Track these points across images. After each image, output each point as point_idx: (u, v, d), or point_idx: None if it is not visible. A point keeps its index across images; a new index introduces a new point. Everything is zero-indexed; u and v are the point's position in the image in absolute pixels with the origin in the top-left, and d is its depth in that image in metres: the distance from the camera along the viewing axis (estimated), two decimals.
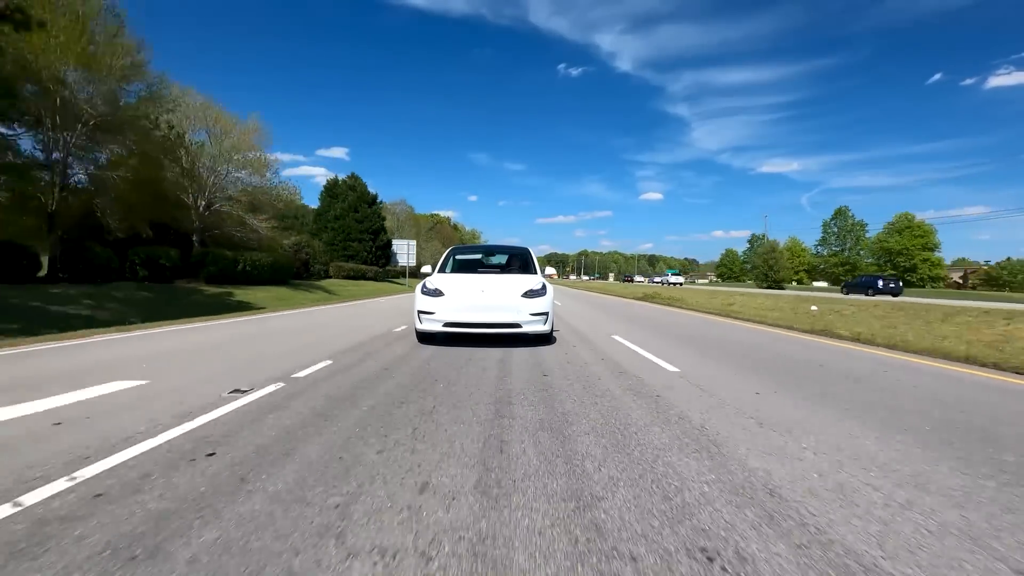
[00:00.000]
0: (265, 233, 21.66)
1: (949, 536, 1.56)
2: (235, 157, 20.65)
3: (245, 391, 3.27)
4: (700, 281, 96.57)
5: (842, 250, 57.93)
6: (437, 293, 5.91)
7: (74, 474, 1.90)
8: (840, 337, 7.59)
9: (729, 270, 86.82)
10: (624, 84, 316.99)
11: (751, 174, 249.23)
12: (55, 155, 14.55)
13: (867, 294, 27.59)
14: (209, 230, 21.48)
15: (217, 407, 2.85)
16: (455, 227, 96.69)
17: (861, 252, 56.44)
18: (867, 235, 56.40)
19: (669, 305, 16.06)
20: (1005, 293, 43.80)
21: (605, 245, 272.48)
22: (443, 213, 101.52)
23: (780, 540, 1.50)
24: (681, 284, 51.32)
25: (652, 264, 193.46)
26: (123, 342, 5.79)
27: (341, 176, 42.14)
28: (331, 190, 40.96)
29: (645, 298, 20.29)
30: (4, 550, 1.38)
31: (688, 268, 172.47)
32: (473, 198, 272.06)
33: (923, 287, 48.35)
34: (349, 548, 1.41)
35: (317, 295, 22.16)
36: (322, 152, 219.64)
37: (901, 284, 30.48)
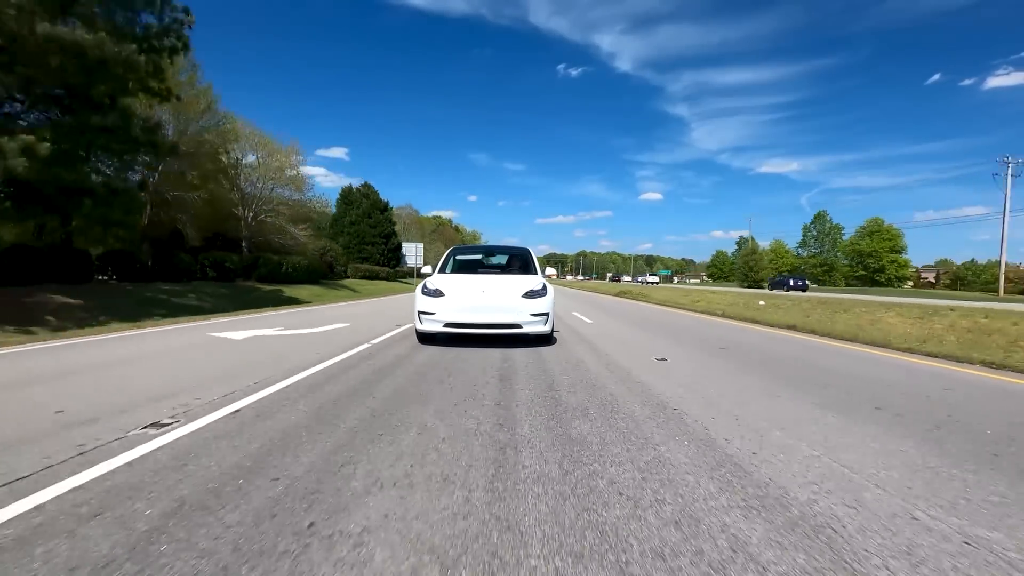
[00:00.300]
0: (302, 240, 25.58)
1: (756, 399, 5.48)
2: (277, 176, 24.57)
3: (371, 339, 7.18)
4: (692, 281, 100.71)
5: (820, 252, 62.07)
6: (437, 293, 5.99)
7: (336, 358, 5.81)
8: (756, 322, 11.52)
9: (719, 270, 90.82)
10: (624, 84, 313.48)
11: (750, 174, 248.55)
12: (151, 180, 18.48)
13: (784, 290, 35.85)
14: (254, 237, 25.39)
15: (360, 345, 6.76)
16: (456, 229, 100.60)
17: (838, 254, 60.58)
18: (843, 238, 60.53)
19: (633, 300, 20.00)
20: (956, 292, 47.62)
21: (604, 245, 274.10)
22: (443, 213, 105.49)
23: (644, 406, 5.41)
24: (656, 283, 57.58)
25: (650, 264, 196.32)
26: (285, 315, 9.74)
27: (355, 184, 46.08)
28: (346, 197, 44.87)
29: (619, 294, 24.24)
30: (314, 384, 5.29)
31: (684, 268, 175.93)
32: (473, 198, 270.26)
33: (890, 285, 52.51)
34: (454, 397, 5.31)
35: (345, 292, 26.03)
36: (322, 152, 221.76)
37: (806, 283, 39.88)
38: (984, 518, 1.74)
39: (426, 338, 6.36)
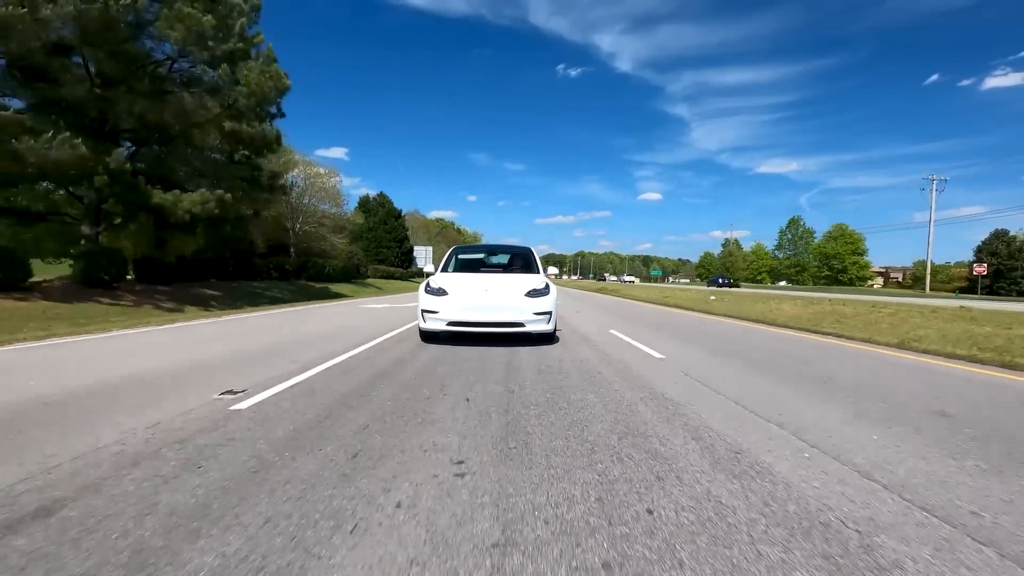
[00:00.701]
0: (339, 246, 31.05)
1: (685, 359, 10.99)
2: (320, 195, 30.06)
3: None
4: (683, 280, 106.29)
5: (794, 254, 67.67)
6: (441, 292, 6.04)
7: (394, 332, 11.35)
8: (698, 311, 17.01)
9: (707, 270, 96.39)
10: (624, 84, 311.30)
11: (750, 174, 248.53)
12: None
13: (718, 286, 45.09)
14: (300, 244, 30.86)
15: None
16: (459, 231, 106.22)
17: (809, 256, 66.18)
18: (814, 241, 66.17)
19: (607, 295, 25.51)
20: (896, 289, 53.13)
21: (604, 245, 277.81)
22: (442, 213, 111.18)
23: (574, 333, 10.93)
24: (634, 283, 66.26)
25: (646, 264, 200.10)
26: (353, 303, 15.24)
27: (371, 194, 51.57)
28: (364, 205, 50.33)
29: (599, 290, 29.79)
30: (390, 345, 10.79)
31: (679, 268, 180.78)
32: (472, 198, 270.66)
33: (852, 284, 58.14)
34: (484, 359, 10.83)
35: (372, 289, 31.49)
36: (321, 152, 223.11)
37: (732, 280, 52.08)
38: (748, 389, 7.11)
39: (429, 337, 6.41)
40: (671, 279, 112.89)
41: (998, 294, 46.76)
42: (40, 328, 7.76)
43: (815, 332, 8.46)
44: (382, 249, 47.79)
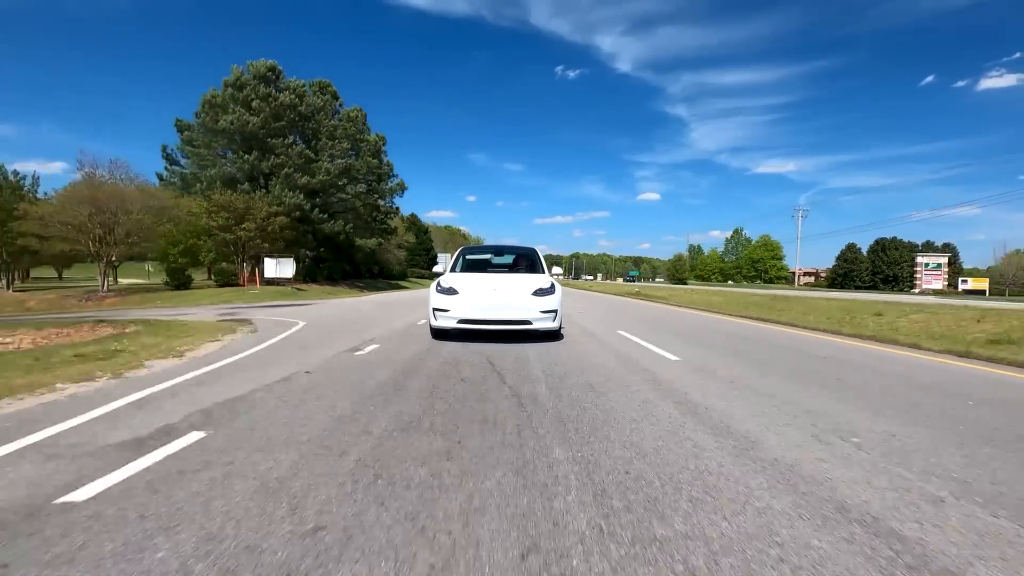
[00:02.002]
0: (399, 257, 48.47)
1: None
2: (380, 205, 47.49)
3: None
4: (658, 280, 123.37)
5: (737, 258, 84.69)
6: (452, 292, 6.19)
7: None
8: (624, 295, 34.38)
9: (676, 271, 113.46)
10: (624, 85, 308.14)
11: (749, 174, 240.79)
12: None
13: (626, 281, 64.09)
14: (382, 257, 48.28)
15: None
16: (464, 236, 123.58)
17: (742, 260, 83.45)
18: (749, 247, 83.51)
19: (563, 286, 43.06)
20: (805, 288, 69.92)
21: (603, 245, 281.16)
22: (441, 213, 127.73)
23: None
24: (593, 280, 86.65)
25: (637, 265, 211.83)
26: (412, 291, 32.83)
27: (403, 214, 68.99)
28: (411, 225, 67.78)
29: (565, 284, 47.40)
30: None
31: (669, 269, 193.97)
32: (471, 198, 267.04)
33: (773, 283, 74.95)
34: None
35: (416, 284, 48.88)
36: None
37: (634, 278, 74.19)
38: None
39: (440, 334, 6.45)
40: (656, 279, 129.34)
41: (844, 288, 63.60)
42: (300, 297, 25.01)
43: (674, 304, 25.51)
44: (416, 256, 65.37)
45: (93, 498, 1.74)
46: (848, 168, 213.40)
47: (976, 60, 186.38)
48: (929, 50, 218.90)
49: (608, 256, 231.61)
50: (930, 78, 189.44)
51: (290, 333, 7.34)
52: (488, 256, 8.66)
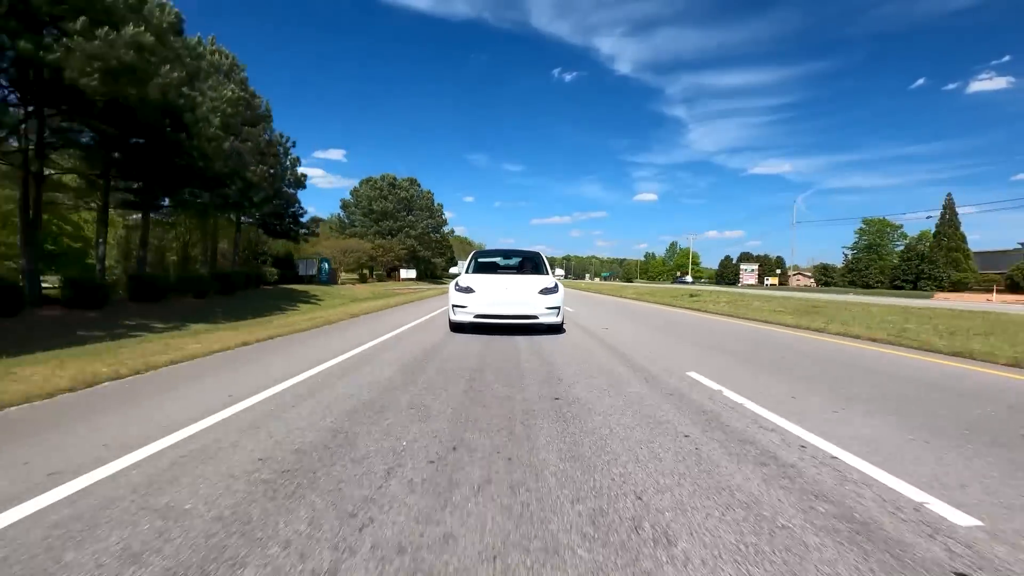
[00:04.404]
0: (435, 261, 74.66)
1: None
2: (434, 236, 73.70)
3: None
4: (638, 280, 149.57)
5: (674, 264, 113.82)
6: (469, 290, 6.97)
7: None
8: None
9: (647, 271, 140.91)
10: (623, 86, 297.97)
11: (747, 175, 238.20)
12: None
13: (602, 280, 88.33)
14: (428, 262, 74.52)
15: None
16: (469, 242, 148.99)
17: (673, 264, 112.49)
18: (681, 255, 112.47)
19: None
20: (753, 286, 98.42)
21: (600, 246, 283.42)
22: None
23: None
24: (562, 276, 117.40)
25: (621, 265, 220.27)
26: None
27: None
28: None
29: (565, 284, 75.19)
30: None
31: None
32: (469, 199, 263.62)
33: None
34: None
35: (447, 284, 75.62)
36: (319, 154, 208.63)
37: (607, 277, 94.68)
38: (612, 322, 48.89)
39: (457, 327, 7.33)
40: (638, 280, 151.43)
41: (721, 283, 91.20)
42: (421, 284, 51.56)
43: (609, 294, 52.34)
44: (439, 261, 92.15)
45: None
46: (846, 168, 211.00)
47: (966, 63, 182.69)
48: (925, 52, 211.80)
49: (597, 258, 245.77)
50: (920, 80, 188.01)
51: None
52: (498, 259, 9.59)
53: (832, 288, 56.21)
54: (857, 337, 8.47)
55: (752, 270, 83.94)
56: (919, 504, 2.07)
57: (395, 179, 64.42)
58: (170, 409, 3.41)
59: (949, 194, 55.13)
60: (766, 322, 11.64)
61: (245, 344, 6.55)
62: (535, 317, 6.95)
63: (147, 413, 3.33)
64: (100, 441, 2.72)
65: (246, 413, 3.33)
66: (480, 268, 8.80)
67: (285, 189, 29.68)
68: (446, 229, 70.67)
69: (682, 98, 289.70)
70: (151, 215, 19.11)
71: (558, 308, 7.10)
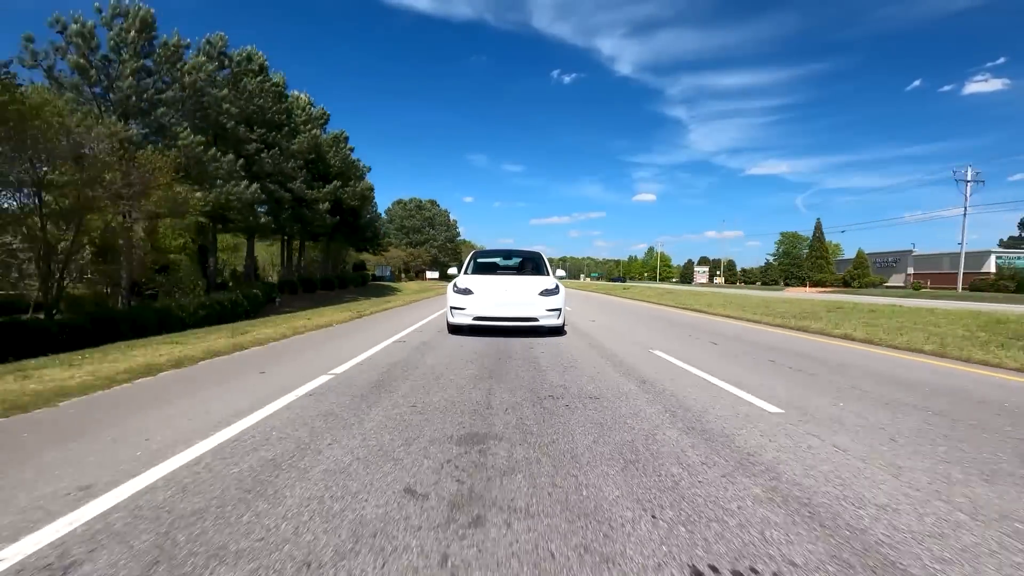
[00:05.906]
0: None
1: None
2: (450, 245, 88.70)
3: None
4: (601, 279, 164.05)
5: (648, 266, 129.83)
6: (468, 292, 6.77)
7: None
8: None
9: (631, 270, 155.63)
10: (624, 87, 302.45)
11: (746, 175, 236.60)
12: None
13: (591, 279, 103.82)
14: (446, 264, 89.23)
15: None
16: (471, 244, 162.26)
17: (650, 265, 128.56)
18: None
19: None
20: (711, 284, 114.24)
21: (600, 246, 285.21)
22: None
23: None
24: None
25: (618, 265, 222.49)
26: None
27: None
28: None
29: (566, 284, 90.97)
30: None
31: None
32: (469, 199, 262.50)
33: (667, 281, 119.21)
34: None
35: None
36: None
37: (595, 277, 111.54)
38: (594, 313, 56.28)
39: (455, 330, 7.15)
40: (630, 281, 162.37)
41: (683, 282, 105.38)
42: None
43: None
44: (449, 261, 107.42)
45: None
46: (845, 169, 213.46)
47: (962, 65, 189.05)
48: (922, 54, 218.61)
49: (592, 259, 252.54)
50: (916, 82, 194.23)
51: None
52: (497, 259, 9.31)
53: (726, 284, 79.36)
54: (686, 308, 16.88)
55: (704, 271, 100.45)
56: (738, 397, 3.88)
57: (420, 201, 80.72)
58: (379, 330, 7.83)
59: (818, 219, 75.06)
60: (646, 301, 26.09)
61: (388, 308, 14.05)
62: (535, 320, 6.83)
63: (370, 335, 7.07)
64: (329, 358, 5.38)
65: (415, 333, 7.18)
66: (479, 269, 8.67)
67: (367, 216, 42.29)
68: (459, 239, 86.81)
69: (682, 99, 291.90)
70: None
71: (559, 310, 6.96)
